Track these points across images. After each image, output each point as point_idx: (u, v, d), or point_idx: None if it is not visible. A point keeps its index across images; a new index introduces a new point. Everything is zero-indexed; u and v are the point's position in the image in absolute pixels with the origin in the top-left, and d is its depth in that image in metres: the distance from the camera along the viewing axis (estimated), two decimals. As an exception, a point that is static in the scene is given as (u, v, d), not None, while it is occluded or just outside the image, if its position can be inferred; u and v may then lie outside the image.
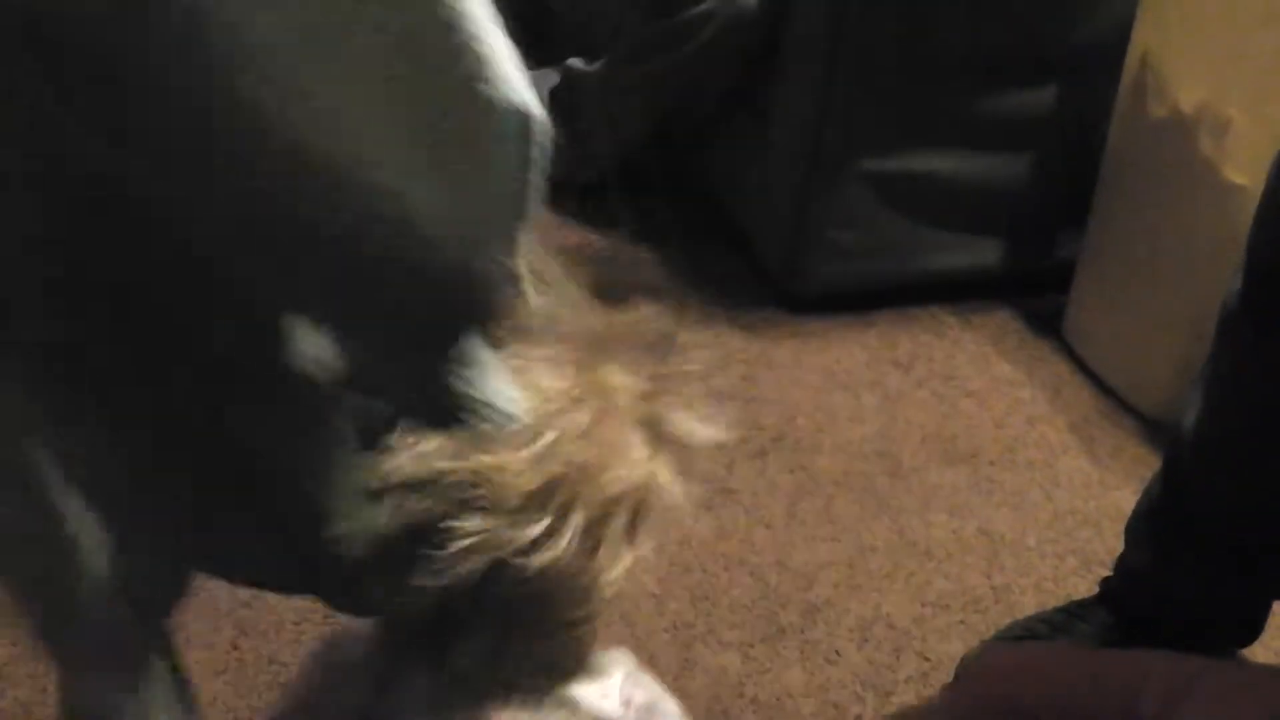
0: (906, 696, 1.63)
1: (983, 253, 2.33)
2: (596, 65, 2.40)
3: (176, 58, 0.70)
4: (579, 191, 2.32)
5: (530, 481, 0.85)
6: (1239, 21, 1.95)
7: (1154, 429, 2.12)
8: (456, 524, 0.85)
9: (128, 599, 0.90)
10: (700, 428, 0.93)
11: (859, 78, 2.12)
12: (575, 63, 2.45)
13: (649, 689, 1.00)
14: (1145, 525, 1.67)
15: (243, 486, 0.89)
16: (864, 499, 1.92)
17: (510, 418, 0.86)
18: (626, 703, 0.97)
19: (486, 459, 0.85)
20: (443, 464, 0.85)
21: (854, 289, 2.27)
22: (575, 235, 2.20)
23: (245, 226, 0.78)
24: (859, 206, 2.20)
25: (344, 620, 0.99)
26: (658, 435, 0.91)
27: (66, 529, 0.86)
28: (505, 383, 0.86)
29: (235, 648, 1.61)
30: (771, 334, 2.15)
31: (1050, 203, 2.33)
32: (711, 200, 2.41)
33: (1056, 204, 2.32)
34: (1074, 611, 1.71)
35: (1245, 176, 1.96)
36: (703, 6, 2.20)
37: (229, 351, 0.86)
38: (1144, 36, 2.12)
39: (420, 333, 0.84)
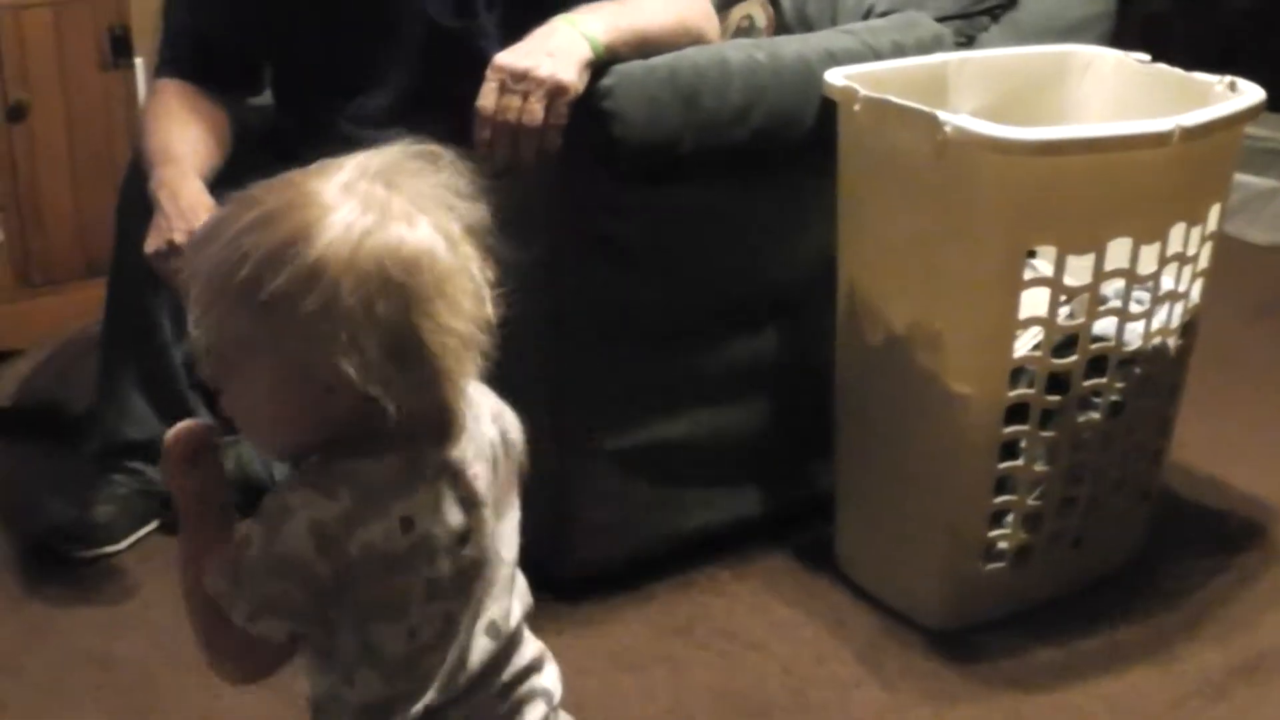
0: None
1: (742, 502, 2.39)
2: None
3: None
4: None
5: None
6: (928, 242, 2.05)
7: (939, 640, 2.17)
8: None
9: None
10: None
11: (579, 357, 2.18)
12: None
13: None
14: None
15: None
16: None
17: None
18: None
19: None
20: None
21: (624, 565, 2.30)
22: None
23: None
24: (611, 484, 2.24)
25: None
26: None
27: None
28: None
29: None
30: (550, 627, 2.15)
31: (794, 439, 2.41)
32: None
33: (801, 439, 2.40)
34: None
35: (966, 386, 2.06)
36: None
37: None
38: (849, 269, 2.23)
39: None
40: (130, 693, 2.12)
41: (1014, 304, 2.03)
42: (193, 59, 2.39)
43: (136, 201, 2.32)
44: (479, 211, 1.20)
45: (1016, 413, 2.10)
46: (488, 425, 1.28)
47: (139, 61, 3.13)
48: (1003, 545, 2.18)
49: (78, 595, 2.34)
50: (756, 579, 2.34)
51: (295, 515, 1.16)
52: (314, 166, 1.19)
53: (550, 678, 1.35)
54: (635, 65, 2.09)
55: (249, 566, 1.17)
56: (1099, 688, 2.12)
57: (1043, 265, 2.08)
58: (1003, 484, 2.15)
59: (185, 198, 2.18)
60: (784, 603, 2.28)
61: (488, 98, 1.98)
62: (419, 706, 1.23)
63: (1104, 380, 2.13)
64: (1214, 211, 2.19)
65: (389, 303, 1.12)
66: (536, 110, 1.96)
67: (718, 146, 2.15)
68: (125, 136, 3.01)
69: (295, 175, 1.19)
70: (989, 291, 2.03)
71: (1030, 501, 2.16)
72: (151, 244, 2.17)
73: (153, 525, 2.50)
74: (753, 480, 2.39)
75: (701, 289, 2.24)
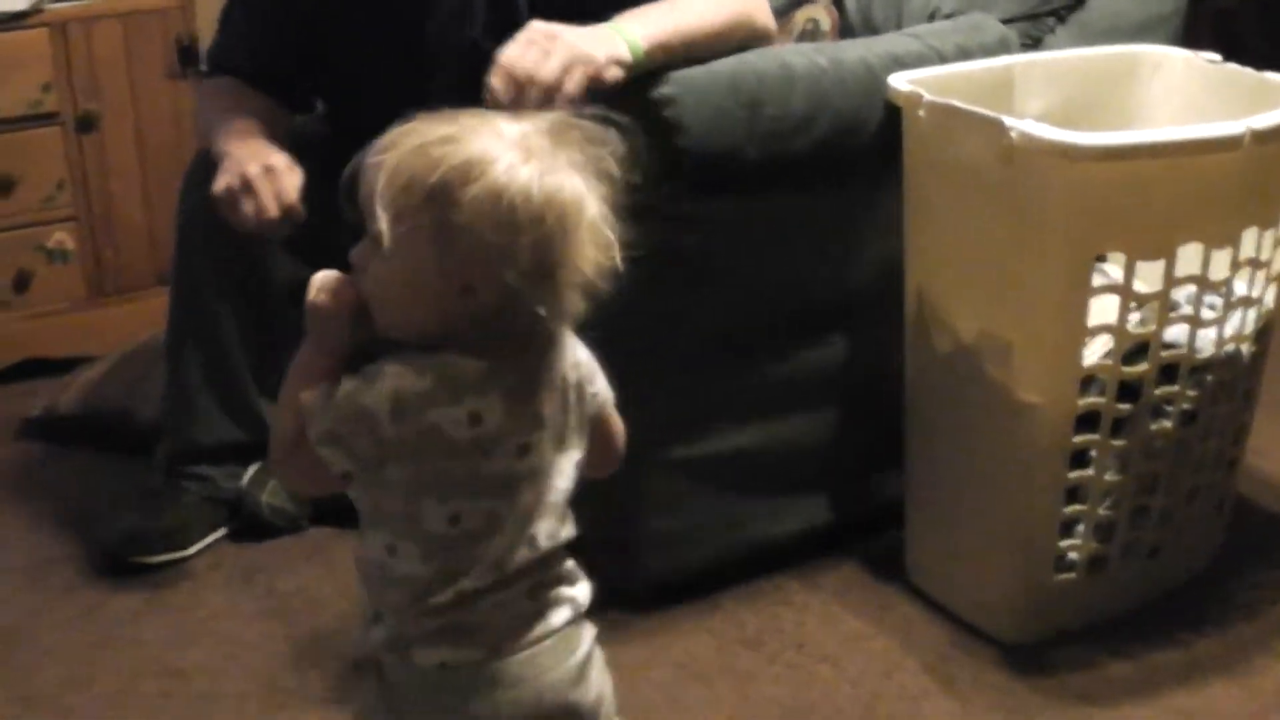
0: None
1: (811, 512, 2.38)
2: None
3: None
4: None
5: None
6: (996, 249, 2.03)
7: (1010, 652, 2.15)
8: None
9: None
10: None
11: (647, 368, 2.17)
12: None
13: None
14: None
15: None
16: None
17: None
18: None
19: None
20: None
21: (692, 575, 2.30)
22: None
23: None
24: (678, 495, 2.24)
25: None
26: None
27: None
28: None
29: None
30: (617, 636, 2.15)
31: (863, 449, 2.40)
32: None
33: (870, 448, 2.39)
34: None
35: (1036, 395, 2.04)
36: None
37: None
38: (916, 276, 2.21)
39: None
40: (197, 703, 2.15)
41: (1083, 311, 2.02)
42: (247, 65, 2.42)
43: (197, 207, 2.35)
44: (614, 192, 1.39)
45: (1087, 421, 2.08)
46: (568, 369, 1.44)
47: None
48: (1074, 556, 2.16)
49: (147, 604, 2.37)
50: (825, 589, 2.33)
51: (384, 380, 1.35)
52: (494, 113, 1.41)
53: (581, 590, 1.48)
54: (697, 74, 2.08)
55: (336, 401, 1.36)
56: (1173, 702, 2.09)
57: (1113, 271, 2.06)
58: (1074, 494, 2.13)
59: (253, 143, 2.22)
60: (853, 614, 2.27)
61: (511, 48, 1.98)
62: (451, 591, 1.38)
63: (1176, 388, 2.11)
64: (1288, 215, 2.16)
65: (550, 234, 1.32)
66: (553, 67, 1.95)
67: (781, 155, 2.14)
68: (194, 146, 3.04)
69: (476, 114, 1.39)
70: (1058, 299, 2.01)
71: (1102, 511, 2.14)
72: (221, 182, 2.20)
73: (221, 532, 2.52)
74: (821, 490, 2.38)
75: (767, 298, 2.24)
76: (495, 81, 1.95)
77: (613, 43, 2.02)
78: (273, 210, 2.17)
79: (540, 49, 1.96)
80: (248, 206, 2.17)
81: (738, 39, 2.17)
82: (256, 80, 2.40)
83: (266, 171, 2.18)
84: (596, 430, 1.50)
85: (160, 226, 3.09)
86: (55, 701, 2.15)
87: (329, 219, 2.32)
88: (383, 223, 1.34)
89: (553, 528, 1.43)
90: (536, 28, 1.99)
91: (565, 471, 1.44)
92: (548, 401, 1.41)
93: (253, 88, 2.39)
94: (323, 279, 1.43)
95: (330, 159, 2.34)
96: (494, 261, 1.32)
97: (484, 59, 2.06)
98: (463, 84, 2.29)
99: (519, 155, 1.34)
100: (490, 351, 1.37)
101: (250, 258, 2.40)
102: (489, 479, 1.38)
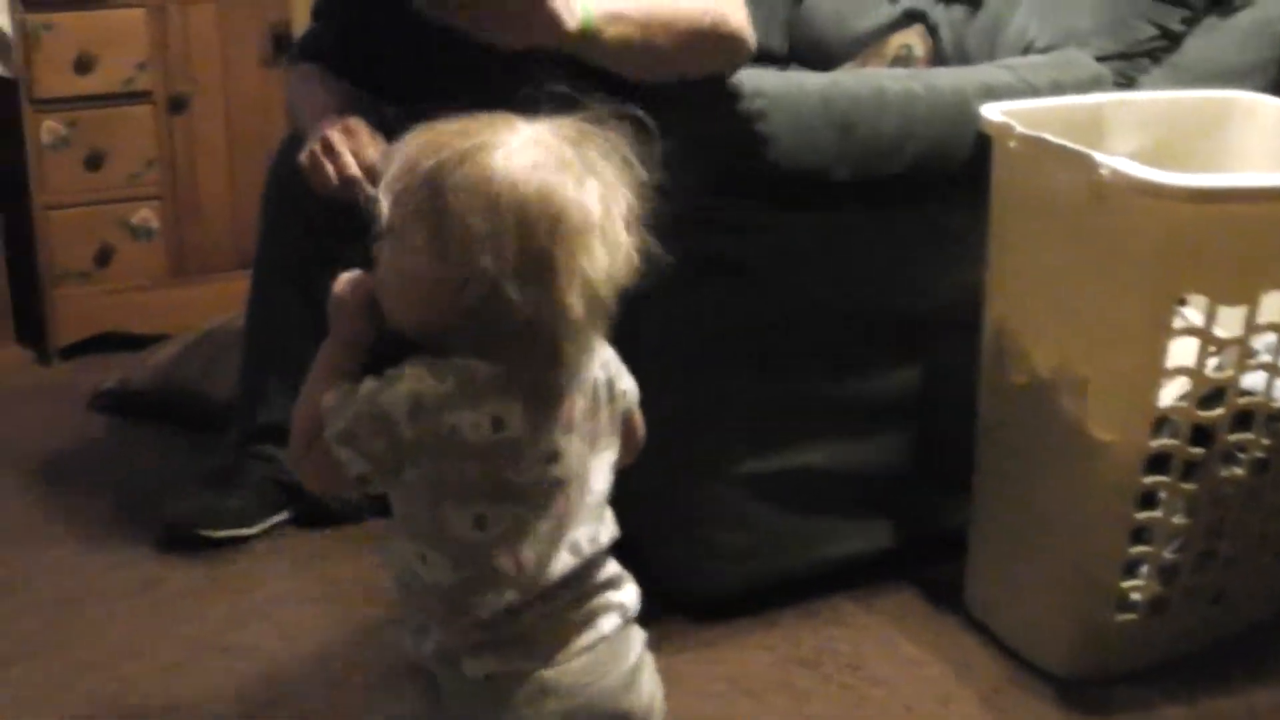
0: None
1: (874, 535, 2.39)
2: None
3: None
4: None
5: None
6: (1078, 284, 2.04)
7: (1066, 689, 2.15)
8: None
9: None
10: None
11: (718, 380, 2.18)
12: None
13: None
14: None
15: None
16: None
17: None
18: None
19: None
20: None
21: (751, 590, 2.30)
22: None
23: None
24: (743, 509, 2.25)
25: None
26: None
27: None
28: None
29: None
30: (673, 647, 2.17)
31: (932, 474, 2.40)
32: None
33: (939, 475, 2.40)
34: None
35: (1108, 433, 2.03)
36: None
37: None
38: (995, 306, 2.22)
39: None
40: (252, 681, 2.17)
41: (1162, 352, 2.01)
42: (328, 54, 2.44)
43: (283, 190, 2.37)
44: (640, 203, 1.38)
45: (1157, 463, 2.08)
46: (597, 369, 1.44)
47: (299, 59, 3.19)
48: (1136, 596, 2.16)
49: (208, 581, 2.41)
50: (884, 613, 2.34)
51: (404, 381, 1.35)
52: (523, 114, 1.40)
53: (629, 595, 1.49)
54: (789, 90, 2.10)
55: (355, 401, 1.37)
56: (1227, 749, 2.09)
57: (1193, 314, 2.06)
58: (1140, 534, 2.13)
59: (342, 119, 2.24)
60: (910, 640, 2.28)
61: None
62: (500, 604, 1.39)
63: (1250, 435, 2.10)
64: (1374, 269, 2.16)
65: (536, 227, 1.32)
66: None
67: (869, 176, 2.16)
68: (281, 132, 3.08)
69: (504, 113, 1.39)
70: (1137, 338, 2.01)
71: (1167, 554, 2.14)
72: (305, 149, 2.23)
73: (284, 515, 2.55)
74: (886, 513, 2.39)
75: (843, 317, 2.25)
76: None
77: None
78: (353, 168, 2.19)
79: None
80: (329, 166, 2.20)
81: (708, 39, 2.04)
82: (338, 69, 2.42)
83: (345, 132, 2.21)
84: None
85: (244, 210, 3.13)
86: (112, 669, 2.18)
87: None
88: (385, 206, 1.37)
89: (593, 531, 1.44)
90: None
91: (601, 473, 1.45)
92: (576, 405, 1.41)
93: (336, 75, 2.42)
94: (346, 274, 1.46)
95: None
96: (481, 250, 1.31)
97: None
98: (487, 84, 2.29)
99: (522, 147, 1.34)
100: (504, 355, 1.36)
101: (326, 245, 2.41)
102: (516, 485, 1.38)
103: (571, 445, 1.40)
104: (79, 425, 2.93)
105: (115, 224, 3.16)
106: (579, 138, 1.37)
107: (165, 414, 2.91)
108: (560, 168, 1.34)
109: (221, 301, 3.07)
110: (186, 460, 2.73)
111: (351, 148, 2.20)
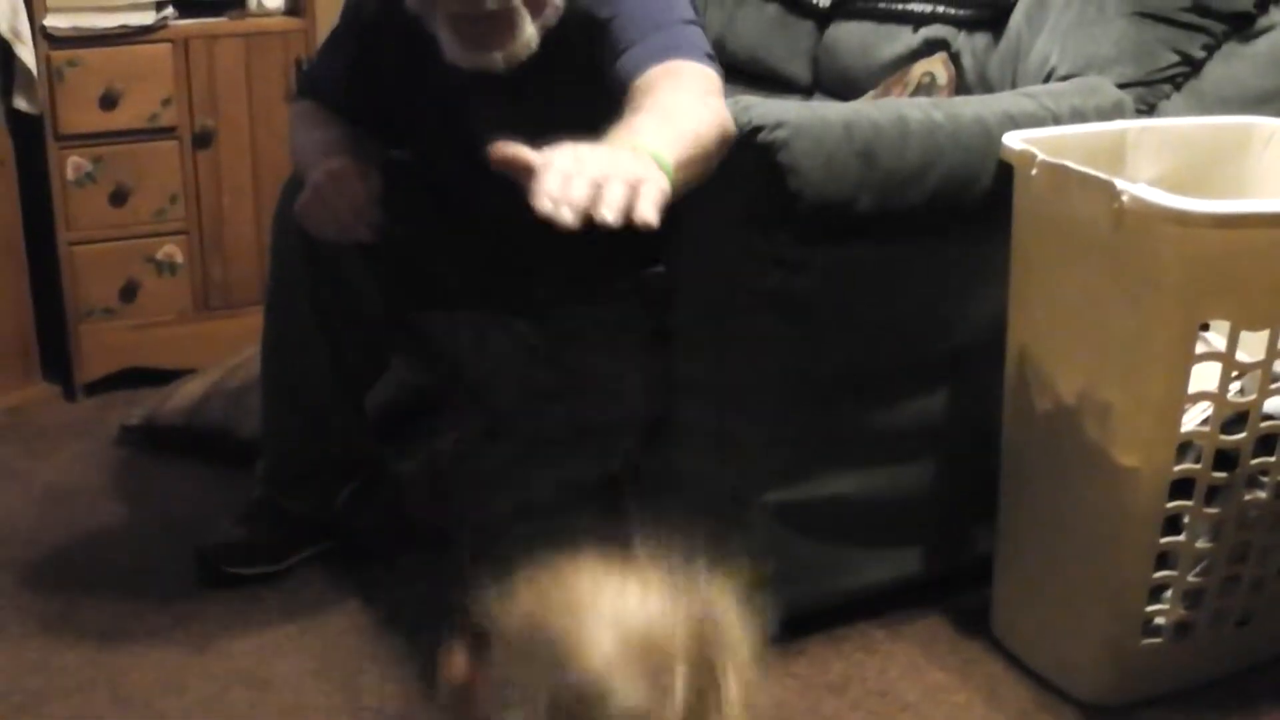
0: None
1: (901, 562, 2.42)
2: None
3: None
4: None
5: None
6: (1100, 310, 2.07)
7: (1093, 715, 2.19)
8: None
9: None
10: None
11: (747, 412, 2.22)
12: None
13: None
14: None
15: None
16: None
17: None
18: None
19: None
20: None
21: (780, 618, 2.32)
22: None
23: None
24: (771, 538, 2.27)
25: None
26: None
27: None
28: None
29: None
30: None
31: (959, 502, 2.44)
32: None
33: (966, 502, 2.43)
34: None
35: (1132, 458, 2.07)
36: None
37: None
38: (1019, 333, 2.25)
39: None
40: (283, 715, 2.22)
41: (1185, 377, 2.05)
42: (329, 92, 2.45)
43: (289, 228, 2.39)
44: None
45: (1181, 487, 2.11)
46: None
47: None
48: (1162, 621, 2.20)
49: (238, 616, 2.45)
50: (911, 640, 2.37)
51: None
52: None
53: None
54: (811, 120, 2.13)
55: None
56: (1253, 774, 2.13)
57: (1215, 339, 2.09)
58: (1165, 559, 2.16)
59: (329, 163, 2.25)
60: (938, 666, 2.31)
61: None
62: None
63: (1273, 459, 2.14)
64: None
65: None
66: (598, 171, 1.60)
67: (892, 205, 2.19)
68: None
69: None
70: (1160, 363, 2.05)
71: (1191, 578, 2.17)
72: (300, 198, 2.25)
73: (314, 550, 2.58)
74: (913, 540, 2.43)
75: (872, 347, 2.29)
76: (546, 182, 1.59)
77: (648, 165, 1.66)
78: (345, 216, 2.22)
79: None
80: (322, 216, 2.23)
81: (721, 150, 1.95)
82: (337, 105, 2.44)
83: (332, 178, 2.23)
84: None
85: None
86: (148, 705, 2.23)
87: (414, 237, 2.40)
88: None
89: None
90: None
91: None
92: None
93: (335, 112, 2.43)
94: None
95: (412, 182, 2.40)
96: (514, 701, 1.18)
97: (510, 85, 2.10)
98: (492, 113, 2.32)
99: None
100: None
101: (341, 278, 2.45)
102: None
103: None
104: (106, 460, 2.97)
105: (140, 259, 3.20)
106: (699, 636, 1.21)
107: (194, 449, 2.95)
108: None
109: (248, 335, 3.08)
110: (215, 495, 2.78)
111: (343, 195, 2.22)
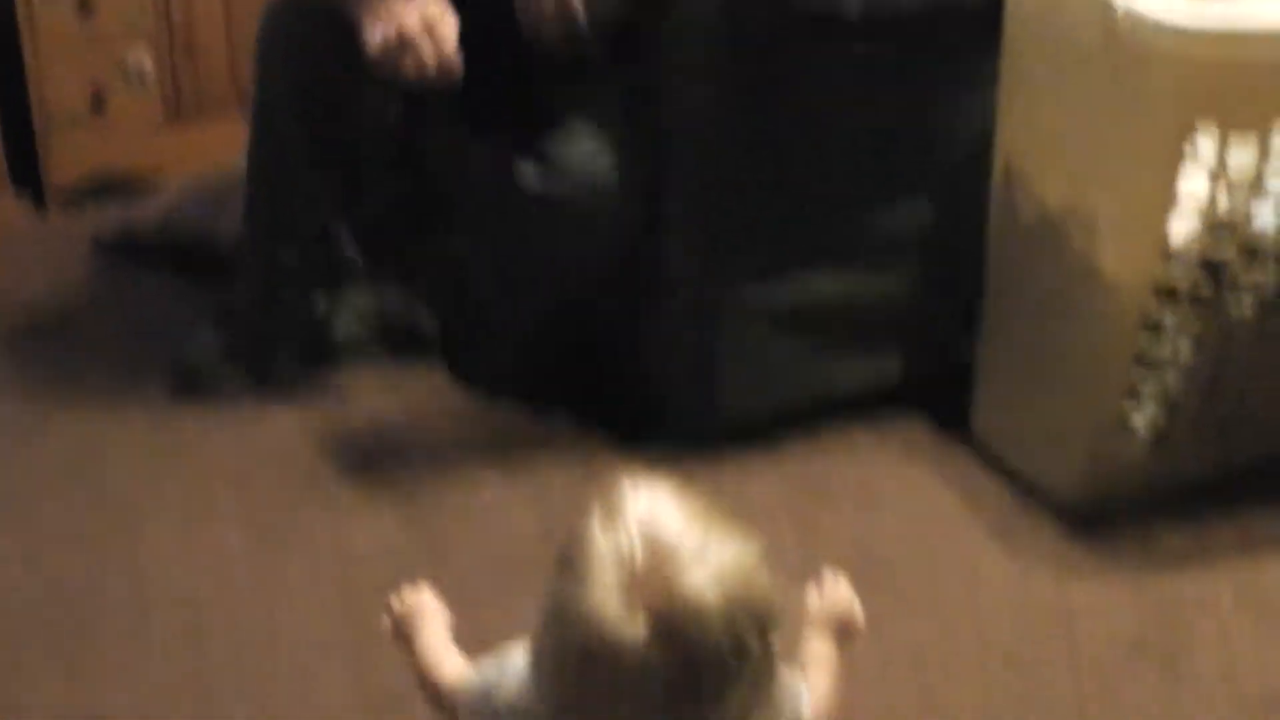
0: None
1: (883, 367, 2.46)
2: None
3: None
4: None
5: None
6: (1090, 119, 2.09)
7: (1069, 515, 2.25)
8: None
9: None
10: None
11: (731, 211, 2.23)
12: None
13: None
14: None
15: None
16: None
17: None
18: None
19: None
20: None
21: (761, 419, 2.36)
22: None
23: None
24: (753, 338, 2.30)
25: None
26: None
27: None
28: None
29: None
30: (682, 474, 2.21)
31: (942, 309, 2.47)
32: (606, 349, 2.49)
33: (948, 309, 2.46)
34: None
35: (1116, 264, 2.09)
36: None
37: None
38: (1006, 141, 2.27)
39: None
40: (263, 509, 2.26)
41: (1173, 185, 2.06)
42: None
43: (277, 34, 2.37)
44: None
45: (1165, 298, 2.13)
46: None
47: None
48: (1140, 426, 2.23)
49: (217, 421, 2.46)
50: (892, 444, 2.41)
51: None
52: None
53: None
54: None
55: None
56: (1226, 574, 2.18)
57: (1205, 153, 2.09)
58: (1147, 367, 2.19)
59: (433, 5, 2.16)
60: (918, 469, 2.36)
61: None
62: None
63: (1259, 274, 2.16)
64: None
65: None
66: None
67: (882, 10, 2.19)
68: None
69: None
70: (1149, 171, 2.06)
71: (1172, 385, 2.20)
72: (378, 38, 2.16)
73: (294, 355, 2.59)
74: (895, 346, 2.46)
75: (856, 149, 2.29)
76: None
77: None
78: (432, 68, 2.16)
79: None
80: (408, 65, 2.16)
81: None
82: None
83: (425, 25, 2.15)
84: None
85: (242, 50, 3.10)
86: (130, 505, 2.26)
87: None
88: None
89: None
90: None
91: None
92: None
93: None
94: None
95: None
96: None
97: None
98: None
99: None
100: None
101: (331, 84, 2.39)
102: None
103: None
104: (82, 274, 2.95)
105: (108, 69, 3.14)
106: None
107: (171, 259, 2.91)
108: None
109: (221, 144, 3.05)
110: (194, 305, 2.74)
111: (432, 45, 2.15)
